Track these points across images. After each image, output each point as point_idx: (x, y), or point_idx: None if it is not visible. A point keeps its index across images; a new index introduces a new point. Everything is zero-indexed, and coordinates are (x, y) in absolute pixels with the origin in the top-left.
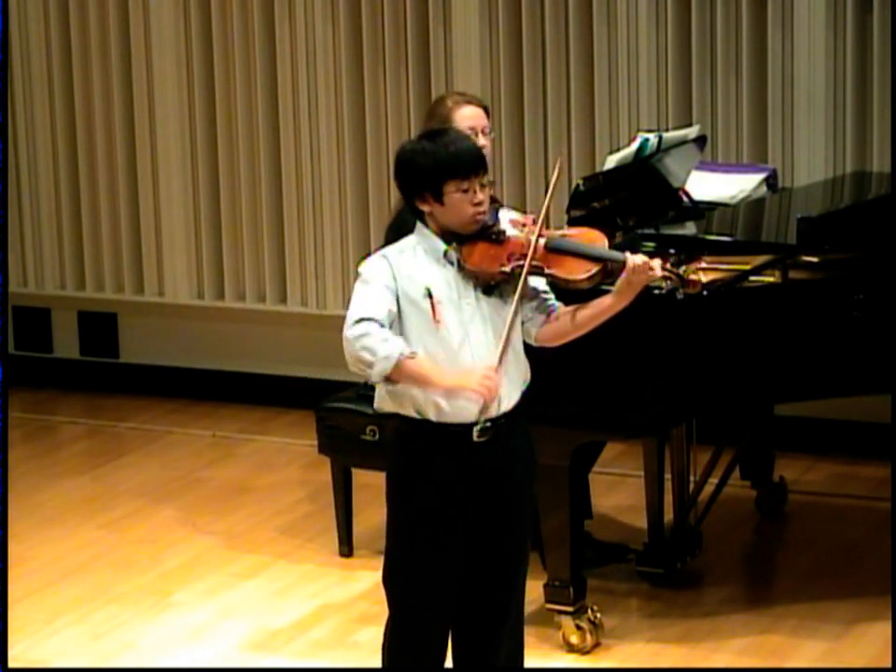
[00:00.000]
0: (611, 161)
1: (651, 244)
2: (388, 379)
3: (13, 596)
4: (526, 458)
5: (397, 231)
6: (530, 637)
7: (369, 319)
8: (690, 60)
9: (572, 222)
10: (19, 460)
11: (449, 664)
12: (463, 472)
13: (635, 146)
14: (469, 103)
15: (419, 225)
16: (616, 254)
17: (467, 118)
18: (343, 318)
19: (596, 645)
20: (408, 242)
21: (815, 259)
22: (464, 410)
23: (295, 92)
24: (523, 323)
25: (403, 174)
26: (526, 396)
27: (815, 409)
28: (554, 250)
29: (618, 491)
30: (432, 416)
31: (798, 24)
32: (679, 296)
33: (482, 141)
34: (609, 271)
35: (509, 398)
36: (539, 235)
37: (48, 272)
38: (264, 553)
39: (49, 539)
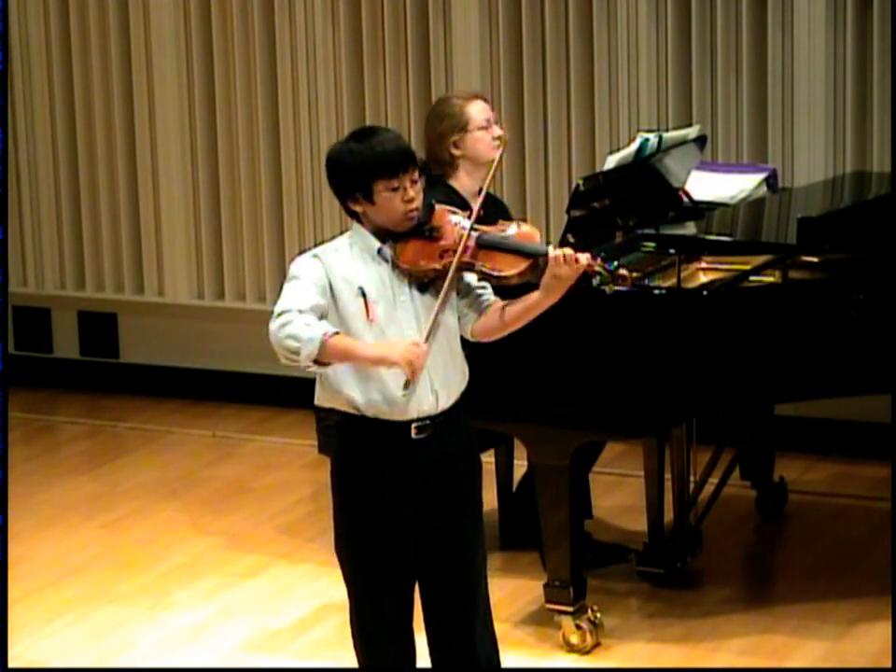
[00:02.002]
0: (611, 161)
1: (651, 244)
2: (318, 363)
3: (13, 596)
4: (468, 454)
5: None
6: (530, 637)
7: (289, 311)
8: (690, 60)
9: (572, 222)
10: (19, 460)
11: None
12: (401, 469)
13: (635, 146)
14: (476, 97)
15: (354, 224)
16: (540, 248)
17: (482, 110)
18: None
19: (596, 645)
20: (342, 241)
21: (815, 259)
22: (400, 407)
23: (295, 92)
24: (458, 318)
25: (333, 175)
26: (465, 396)
27: (815, 409)
28: (485, 246)
29: (618, 491)
30: (369, 414)
31: (798, 24)
32: (608, 291)
33: (497, 131)
34: (541, 267)
35: (447, 396)
36: (472, 229)
37: (48, 272)
38: (264, 553)
39: (49, 538)
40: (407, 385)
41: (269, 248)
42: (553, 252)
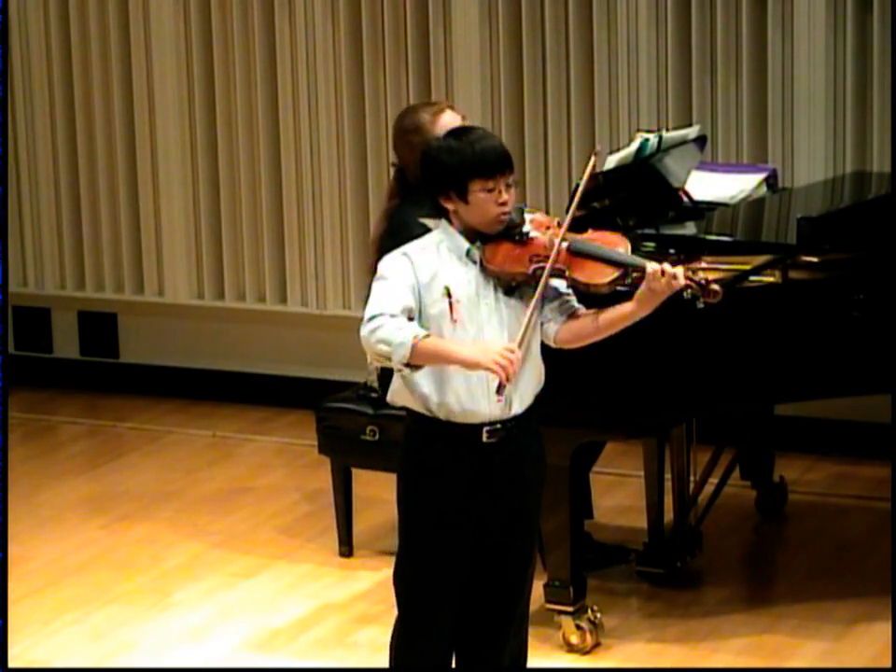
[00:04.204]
0: (611, 161)
1: (651, 244)
2: (410, 366)
3: (13, 596)
4: (536, 461)
5: (393, 236)
6: (530, 636)
7: (380, 314)
8: (690, 60)
9: (572, 223)
10: (19, 460)
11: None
12: (471, 474)
13: (635, 146)
14: (444, 108)
15: (443, 223)
16: (637, 260)
17: (453, 122)
18: (343, 318)
19: (596, 645)
20: (430, 239)
21: (815, 259)
22: (474, 411)
23: (295, 92)
24: (542, 324)
25: (429, 171)
26: (539, 399)
27: (815, 409)
28: (576, 253)
29: (618, 491)
30: (441, 416)
31: (798, 24)
32: (700, 305)
33: None
34: (631, 276)
35: (521, 400)
36: (563, 238)
37: (48, 272)
38: (264, 553)
39: (49, 539)
40: (500, 390)
41: (269, 248)
42: (651, 267)
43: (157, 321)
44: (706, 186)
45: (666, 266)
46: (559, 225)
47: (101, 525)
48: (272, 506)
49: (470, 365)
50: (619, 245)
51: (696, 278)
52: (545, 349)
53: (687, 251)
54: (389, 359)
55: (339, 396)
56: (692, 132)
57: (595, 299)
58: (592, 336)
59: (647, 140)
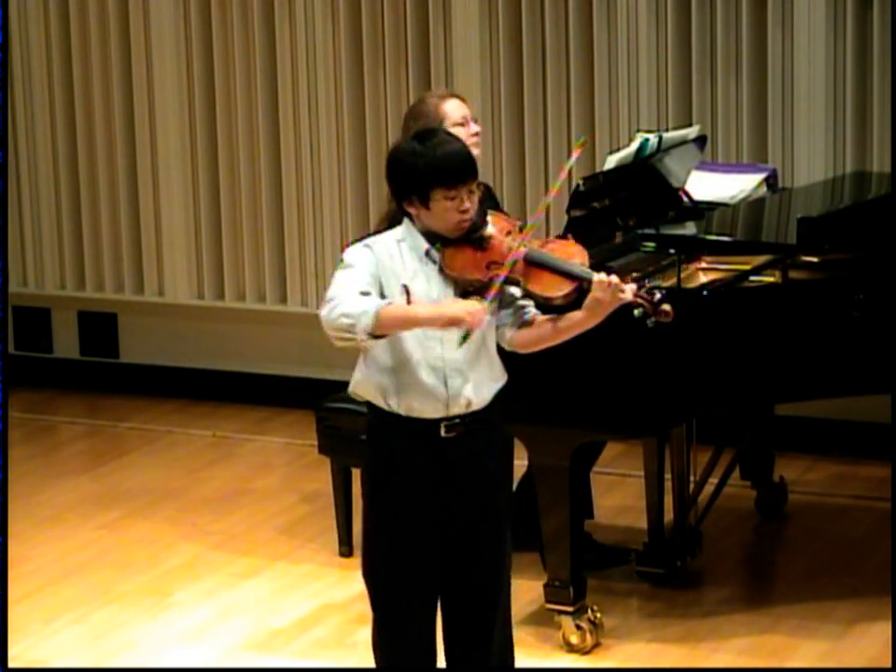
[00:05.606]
0: (611, 161)
1: (651, 244)
2: (374, 336)
3: (13, 596)
4: (500, 454)
5: None
6: (530, 637)
7: (340, 296)
8: (690, 60)
9: (572, 222)
10: (19, 460)
11: (442, 664)
12: (432, 468)
13: (635, 146)
14: (453, 95)
15: (406, 221)
16: (588, 272)
17: (458, 107)
18: None
19: (596, 645)
20: (393, 235)
21: (815, 259)
22: (430, 406)
23: (295, 92)
24: (498, 327)
25: (393, 173)
26: (500, 396)
27: (815, 409)
28: (533, 263)
29: (618, 491)
30: (402, 411)
31: (798, 24)
32: (650, 324)
33: (474, 128)
34: (585, 289)
35: (479, 396)
36: (522, 246)
37: (48, 272)
38: (264, 553)
39: (49, 538)
40: (466, 338)
41: (269, 248)
42: (597, 277)
43: (157, 321)
44: (706, 186)
45: (614, 278)
46: (521, 230)
47: (101, 524)
48: (272, 506)
49: (436, 318)
50: (576, 257)
51: (647, 297)
52: (547, 352)
53: (687, 251)
54: (352, 331)
55: (339, 396)
56: (692, 132)
57: (551, 307)
58: (545, 342)
59: (647, 140)
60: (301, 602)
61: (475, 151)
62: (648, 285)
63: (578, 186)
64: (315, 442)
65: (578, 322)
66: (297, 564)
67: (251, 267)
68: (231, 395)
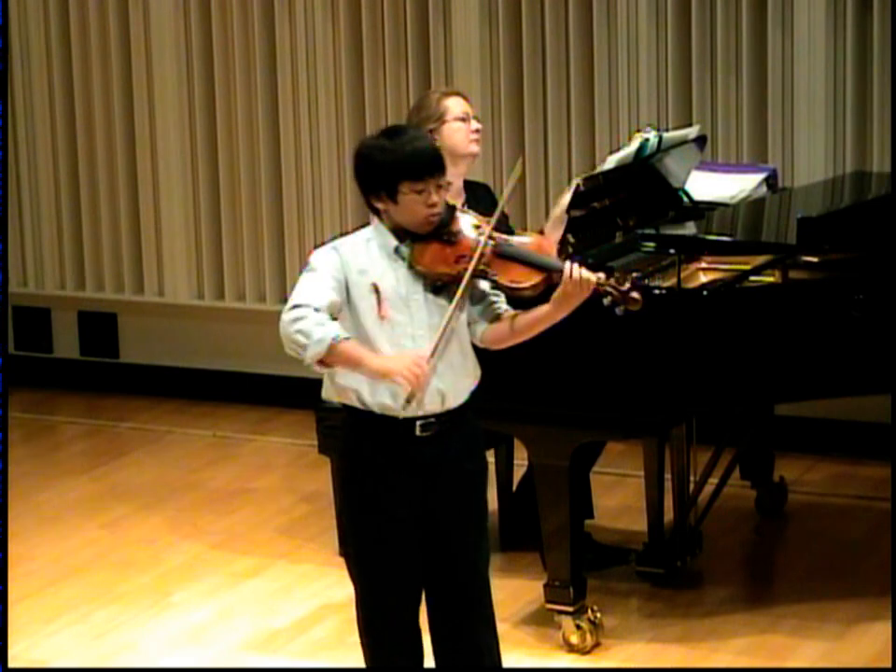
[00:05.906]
0: (611, 161)
1: (651, 244)
2: (322, 363)
3: (13, 596)
4: (473, 453)
5: None
6: (530, 637)
7: (306, 305)
8: (690, 60)
9: (572, 222)
10: (19, 460)
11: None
12: (405, 465)
13: (635, 146)
14: (457, 93)
15: (375, 220)
16: (556, 263)
17: (459, 104)
18: None
19: (596, 645)
20: (361, 235)
21: (815, 259)
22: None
23: (295, 92)
24: (470, 324)
25: (360, 169)
26: (476, 395)
27: (815, 409)
28: (501, 256)
29: (618, 491)
30: (375, 408)
31: (798, 24)
32: (619, 312)
33: (475, 125)
34: (556, 281)
35: (454, 397)
36: (490, 238)
37: (48, 272)
38: (264, 553)
39: (49, 539)
40: (409, 399)
41: (269, 248)
42: (567, 270)
43: (157, 321)
44: (706, 186)
45: (576, 268)
46: (489, 223)
47: (101, 524)
48: (272, 506)
49: (381, 374)
50: (544, 249)
51: (615, 285)
52: (547, 353)
53: (687, 251)
54: (303, 350)
55: None
56: (692, 132)
57: (522, 300)
58: (517, 337)
59: (647, 140)
60: (300, 602)
61: (475, 149)
62: (617, 274)
63: (578, 186)
64: (315, 442)
65: (548, 314)
66: (297, 564)
67: (251, 267)
68: (231, 395)
